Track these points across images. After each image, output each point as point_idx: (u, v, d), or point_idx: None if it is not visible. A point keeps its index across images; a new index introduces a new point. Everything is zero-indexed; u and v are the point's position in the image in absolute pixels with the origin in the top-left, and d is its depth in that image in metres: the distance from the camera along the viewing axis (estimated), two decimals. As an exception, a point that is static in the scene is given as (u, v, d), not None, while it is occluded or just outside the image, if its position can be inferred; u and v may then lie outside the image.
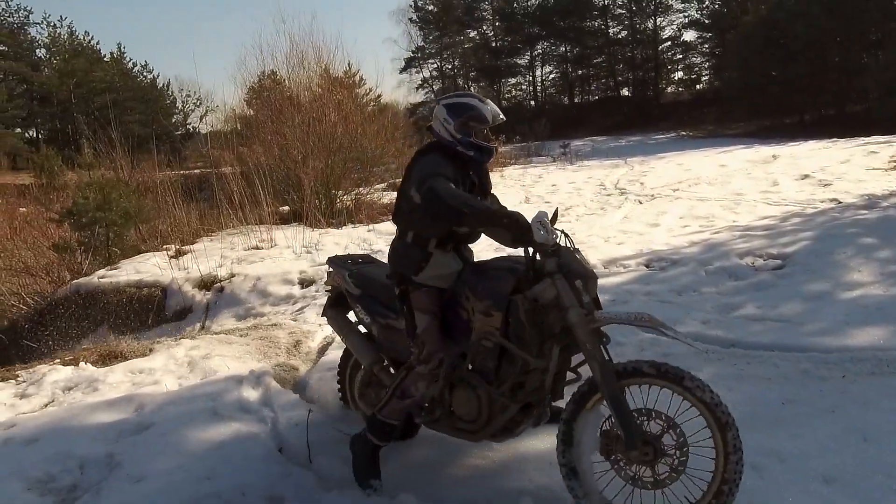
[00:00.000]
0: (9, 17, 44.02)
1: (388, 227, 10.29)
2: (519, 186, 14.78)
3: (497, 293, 2.82)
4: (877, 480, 2.87)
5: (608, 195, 12.33)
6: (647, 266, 6.42)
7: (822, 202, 8.93)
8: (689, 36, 42.84)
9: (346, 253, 8.50)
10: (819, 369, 3.93)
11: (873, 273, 5.41)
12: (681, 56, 44.01)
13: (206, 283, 7.42)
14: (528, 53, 48.57)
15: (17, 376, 4.88)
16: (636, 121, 37.18)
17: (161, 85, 47.04)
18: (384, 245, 8.81)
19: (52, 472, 3.35)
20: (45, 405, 4.36)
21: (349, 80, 17.41)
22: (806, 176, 11.64)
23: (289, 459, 3.44)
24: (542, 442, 3.33)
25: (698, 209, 9.60)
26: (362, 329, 3.61)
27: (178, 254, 8.89)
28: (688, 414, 2.57)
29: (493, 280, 2.87)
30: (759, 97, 27.07)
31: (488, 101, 3.05)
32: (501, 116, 3.05)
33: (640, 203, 10.92)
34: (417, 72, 50.00)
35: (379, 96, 22.76)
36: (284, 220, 11.33)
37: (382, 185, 14.90)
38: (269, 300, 6.93)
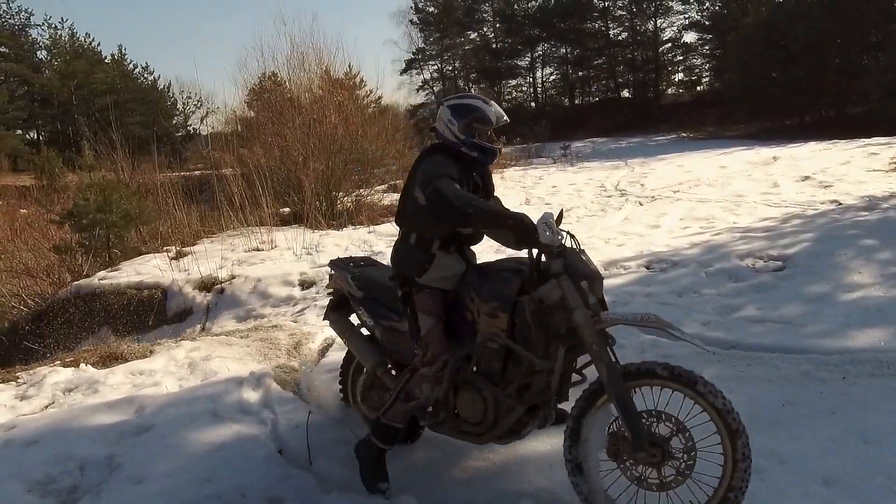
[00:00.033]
0: (10, 18, 44.04)
1: (389, 229, 10.30)
2: (519, 188, 14.78)
3: (503, 294, 2.82)
4: (877, 482, 2.87)
5: (609, 197, 12.33)
6: (647, 267, 6.42)
7: (822, 204, 8.94)
8: (690, 38, 42.90)
9: (346, 254, 8.53)
10: (819, 371, 3.93)
11: (874, 275, 5.41)
12: (681, 58, 44.03)
13: (206, 285, 7.43)
14: (529, 55, 48.59)
15: (18, 378, 4.88)
16: (637, 122, 37.19)
17: (162, 87, 47.05)
18: (385, 247, 8.82)
19: (53, 473, 3.34)
20: (46, 407, 4.35)
21: (350, 82, 17.41)
22: (806, 177, 11.65)
23: (289, 461, 3.44)
24: (543, 444, 3.33)
25: (699, 211, 9.61)
26: (365, 332, 3.59)
27: (179, 255, 8.90)
28: (696, 417, 2.56)
29: (499, 281, 2.86)
30: (760, 99, 27.09)
31: (492, 102, 3.05)
32: (505, 118, 3.05)
33: (641, 204, 10.92)
34: (418, 73, 50.05)
35: (379, 98, 22.77)
36: (285, 222, 11.34)
37: (383, 186, 14.91)
38: (269, 302, 6.93)
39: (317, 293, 6.91)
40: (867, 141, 16.60)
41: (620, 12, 44.71)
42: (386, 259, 7.72)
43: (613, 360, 2.67)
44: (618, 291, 5.71)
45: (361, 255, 8.49)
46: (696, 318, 4.89)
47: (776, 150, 17.50)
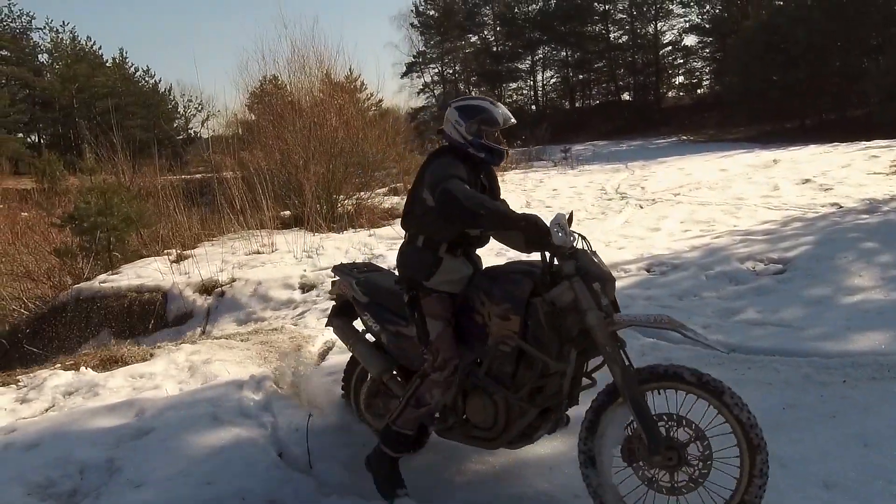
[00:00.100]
0: (11, 22, 44.14)
1: (389, 232, 10.31)
2: (520, 191, 14.79)
3: (515, 296, 2.80)
4: (877, 486, 2.87)
5: (609, 200, 12.34)
6: (647, 270, 6.42)
7: (822, 206, 8.94)
8: (690, 41, 42.89)
9: (346, 256, 8.56)
10: (820, 374, 3.93)
11: (874, 278, 5.41)
12: (682, 61, 44.03)
13: (206, 288, 7.43)
14: (529, 58, 48.62)
15: (18, 381, 4.88)
16: (637, 125, 37.20)
17: (163, 90, 47.12)
18: (385, 250, 8.82)
19: (53, 477, 3.34)
20: (46, 410, 4.36)
21: (350, 85, 17.41)
22: (807, 180, 11.65)
23: (289, 464, 3.44)
24: (543, 447, 3.33)
25: (699, 214, 9.61)
26: (370, 338, 3.56)
27: (179, 258, 8.90)
28: (716, 426, 2.54)
29: (511, 283, 2.84)
30: (760, 102, 27.08)
31: (499, 104, 3.06)
32: (512, 119, 3.05)
33: (641, 207, 10.93)
34: (419, 76, 50.07)
35: (380, 101, 22.78)
36: (285, 225, 11.35)
37: (384, 189, 14.92)
38: (269, 305, 6.93)
39: (317, 296, 6.91)
40: (868, 144, 16.60)
41: (621, 15, 44.75)
42: (386, 262, 7.72)
43: (627, 362, 2.66)
44: (618, 294, 5.61)
45: (362, 258, 8.51)
46: (696, 321, 4.89)
47: (776, 153, 17.50)
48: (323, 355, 5.17)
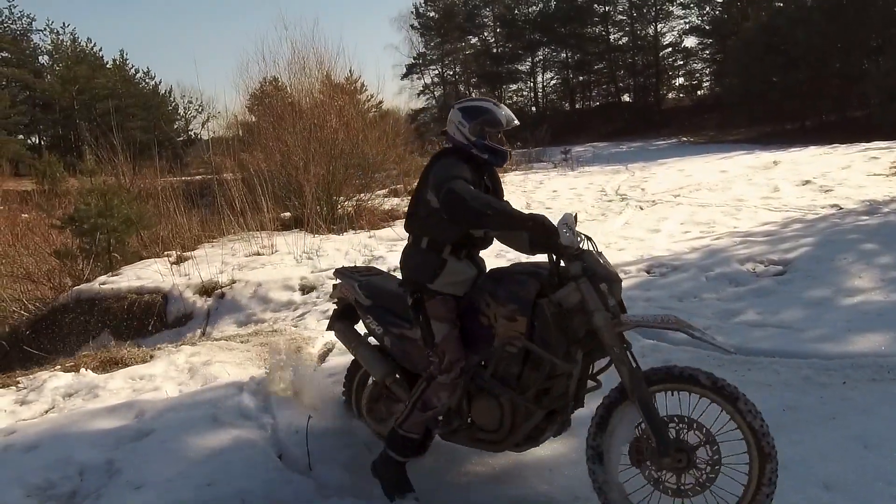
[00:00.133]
0: (11, 24, 44.20)
1: (389, 234, 10.31)
2: (520, 192, 14.79)
3: (521, 297, 2.78)
4: (877, 487, 2.87)
5: (609, 201, 12.34)
6: (647, 272, 6.42)
7: (823, 208, 8.94)
8: (690, 42, 42.96)
9: (346, 258, 8.56)
10: (820, 376, 3.93)
11: (874, 279, 5.41)
12: (682, 62, 44.09)
13: (206, 290, 7.43)
14: (529, 59, 48.69)
15: (18, 383, 4.89)
16: (637, 127, 37.25)
17: (163, 91, 47.18)
18: (385, 251, 8.82)
19: (52, 478, 3.34)
20: (46, 411, 4.36)
21: (351, 87, 17.43)
22: (807, 182, 11.66)
23: (289, 466, 3.43)
24: (543, 449, 3.32)
25: (699, 215, 9.61)
26: (372, 341, 3.54)
27: (179, 260, 8.90)
28: (726, 430, 2.53)
29: (517, 285, 2.83)
30: (760, 103, 27.12)
31: (502, 105, 3.05)
32: (515, 121, 3.04)
33: (641, 209, 10.93)
34: (419, 78, 50.16)
35: (380, 102, 22.83)
36: (285, 227, 11.35)
37: (384, 191, 14.93)
38: (269, 306, 6.93)
39: (317, 298, 6.91)
40: (868, 145, 16.61)
41: (621, 17, 44.81)
42: (386, 264, 7.72)
43: (635, 364, 2.65)
44: (618, 296, 5.70)
45: (362, 259, 8.51)
46: (696, 323, 4.86)
47: (777, 154, 17.51)
48: (323, 357, 5.17)
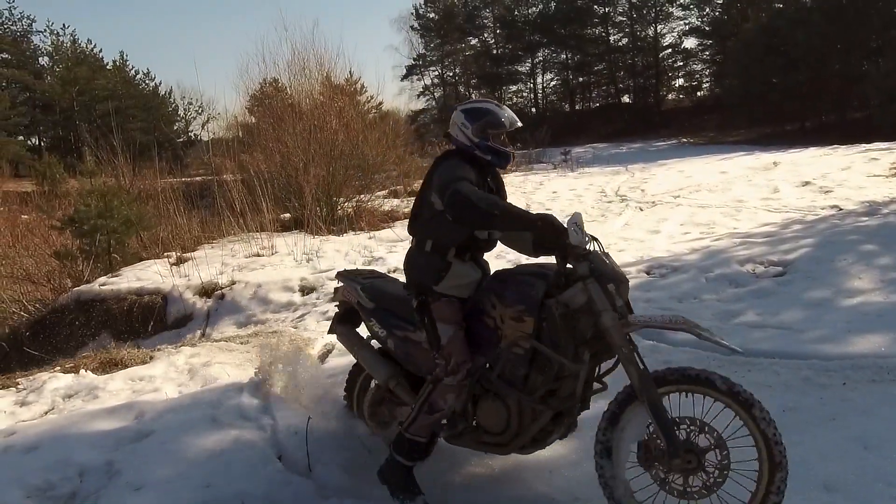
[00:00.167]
0: (12, 25, 44.23)
1: (389, 235, 10.31)
2: (520, 193, 14.78)
3: (529, 298, 2.78)
4: (877, 489, 2.87)
5: (609, 202, 12.34)
6: (647, 273, 6.42)
7: (822, 209, 8.95)
8: (690, 43, 42.99)
9: (346, 259, 8.56)
10: (820, 377, 3.92)
11: (874, 280, 5.41)
12: (681, 63, 44.11)
13: (206, 291, 7.43)
14: (529, 61, 48.71)
15: (18, 384, 4.88)
16: (637, 128, 37.25)
17: (163, 93, 47.22)
18: (385, 252, 8.82)
19: (52, 479, 3.34)
20: (45, 413, 4.36)
21: (350, 88, 17.44)
22: (807, 183, 11.66)
23: (288, 467, 3.43)
24: (543, 450, 3.31)
25: (699, 216, 9.61)
26: (375, 344, 3.52)
27: (179, 261, 8.90)
28: (736, 435, 2.53)
29: (524, 285, 2.82)
30: (760, 104, 27.12)
31: (505, 106, 3.06)
32: (518, 122, 3.04)
33: (641, 210, 10.93)
34: (419, 79, 50.18)
35: (380, 103, 22.86)
36: (285, 228, 11.34)
37: (383, 192, 14.93)
38: (269, 307, 6.93)
39: (317, 299, 6.91)
40: (867, 146, 16.62)
41: (621, 18, 44.83)
42: (386, 265, 7.71)
43: (642, 365, 2.64)
44: (618, 297, 5.70)
45: (362, 260, 8.51)
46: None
47: (776, 155, 17.52)
48: (323, 358, 5.17)
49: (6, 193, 22.81)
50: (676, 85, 45.44)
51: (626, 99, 46.48)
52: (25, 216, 16.87)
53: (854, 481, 2.92)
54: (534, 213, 2.67)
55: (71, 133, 41.90)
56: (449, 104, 46.52)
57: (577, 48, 45.65)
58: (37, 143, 44.27)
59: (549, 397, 2.81)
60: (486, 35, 49.72)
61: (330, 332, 3.77)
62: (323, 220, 11.38)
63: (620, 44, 45.32)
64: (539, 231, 2.61)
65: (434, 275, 2.96)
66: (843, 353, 4.15)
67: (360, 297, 3.43)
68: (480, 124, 2.96)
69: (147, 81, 47.10)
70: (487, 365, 2.93)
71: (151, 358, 5.26)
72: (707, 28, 40.51)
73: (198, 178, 18.76)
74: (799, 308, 5.04)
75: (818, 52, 24.90)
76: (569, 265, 2.74)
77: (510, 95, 49.18)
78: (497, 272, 3.04)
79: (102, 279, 8.38)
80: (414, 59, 49.50)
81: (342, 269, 3.77)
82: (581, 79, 47.84)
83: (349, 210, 12.43)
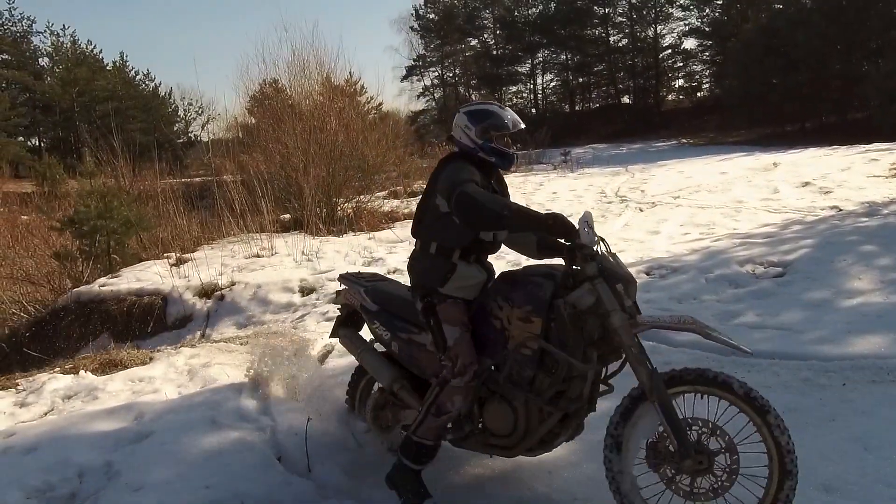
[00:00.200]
0: (12, 26, 44.26)
1: (389, 236, 10.31)
2: (520, 194, 14.77)
3: (537, 298, 2.76)
4: (877, 489, 2.86)
5: (609, 203, 12.34)
6: (647, 274, 6.42)
7: (822, 210, 8.95)
8: (690, 44, 43.02)
9: (346, 260, 8.56)
10: (819, 377, 3.93)
11: (874, 281, 5.41)
12: (681, 64, 44.14)
13: (206, 292, 7.42)
14: (529, 61, 48.73)
15: (17, 385, 4.88)
16: (637, 128, 37.27)
17: (163, 93, 47.23)
18: (385, 253, 8.82)
19: (52, 480, 3.34)
20: (45, 414, 4.36)
21: (350, 89, 17.44)
22: (807, 183, 11.66)
23: (288, 468, 3.43)
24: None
25: (699, 217, 9.61)
26: (378, 347, 3.49)
27: (179, 262, 8.89)
28: (746, 440, 2.52)
29: (532, 286, 2.81)
30: (760, 105, 27.10)
31: (507, 108, 3.05)
32: (521, 124, 3.04)
33: (641, 211, 10.93)
34: (419, 80, 50.20)
35: (380, 104, 22.87)
36: (285, 228, 11.34)
37: (383, 193, 14.93)
38: (269, 308, 6.93)
39: (317, 300, 6.91)
40: (867, 147, 16.62)
41: (620, 19, 44.87)
42: (385, 266, 7.70)
43: (652, 366, 2.63)
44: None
45: (362, 261, 8.52)
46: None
47: (776, 155, 17.52)
48: (322, 359, 5.17)
49: (6, 194, 22.81)
50: (676, 86, 45.53)
51: (625, 100, 46.52)
52: (25, 217, 16.87)
53: (854, 482, 2.92)
54: (544, 212, 2.66)
55: (71, 134, 41.93)
56: (449, 105, 46.58)
57: (576, 49, 45.68)
58: (37, 143, 44.27)
59: (557, 398, 2.79)
60: (485, 36, 49.75)
61: (332, 335, 3.74)
62: (323, 220, 11.38)
63: (620, 44, 45.38)
64: (550, 230, 2.61)
65: (439, 277, 2.95)
66: (842, 353, 4.16)
67: (363, 300, 3.40)
68: (483, 126, 2.95)
69: (147, 82, 47.16)
70: (494, 367, 2.91)
71: (151, 359, 5.27)
72: (707, 29, 40.53)
73: (197, 179, 18.77)
74: (799, 309, 5.04)
75: (818, 52, 24.90)
76: (575, 266, 2.72)
77: (510, 96, 49.22)
78: (504, 273, 3.03)
79: (102, 280, 8.38)
80: (414, 60, 49.55)
81: (345, 272, 3.74)
82: (581, 79, 47.86)
83: (349, 211, 12.43)
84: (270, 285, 7.31)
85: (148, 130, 39.55)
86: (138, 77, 46.99)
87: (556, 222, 2.60)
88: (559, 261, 2.88)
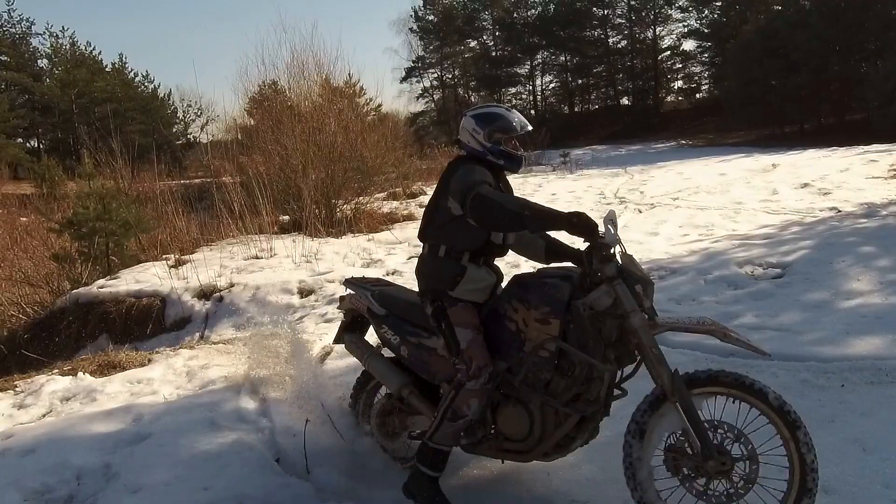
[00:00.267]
0: (11, 27, 44.26)
1: (388, 237, 10.31)
2: (519, 195, 14.78)
3: (554, 300, 2.74)
4: (875, 490, 2.87)
5: (608, 204, 12.33)
6: (646, 275, 6.41)
7: (821, 211, 8.95)
8: (689, 45, 43.17)
9: (345, 261, 8.56)
10: (818, 379, 3.93)
11: (872, 282, 5.41)
12: (680, 65, 44.25)
13: (205, 293, 7.41)
14: (529, 63, 48.80)
15: (16, 387, 4.88)
16: (636, 130, 37.32)
17: (162, 95, 47.21)
18: (384, 255, 8.82)
19: (50, 482, 3.34)
20: (43, 415, 4.35)
21: (350, 90, 17.43)
22: (805, 185, 11.66)
23: (286, 470, 3.43)
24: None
25: (698, 218, 9.61)
26: (385, 353, 3.45)
27: (178, 263, 8.88)
28: (767, 451, 2.52)
29: (549, 287, 2.78)
30: (759, 106, 27.13)
31: (514, 111, 3.05)
32: (528, 126, 3.03)
33: (640, 212, 10.93)
34: (418, 81, 50.28)
35: (379, 106, 22.82)
36: (284, 230, 11.33)
37: (382, 194, 14.91)
38: (268, 310, 6.92)
39: (316, 301, 6.91)
40: (866, 148, 16.63)
41: (620, 20, 44.98)
42: (385, 267, 7.68)
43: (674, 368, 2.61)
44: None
45: (361, 262, 8.51)
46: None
47: (775, 157, 17.53)
48: (321, 360, 5.16)
49: (5, 196, 22.82)
50: (675, 87, 45.64)
51: (625, 101, 46.61)
52: (24, 218, 16.87)
53: (852, 483, 2.92)
54: (565, 211, 2.63)
55: (70, 135, 41.91)
56: (448, 106, 46.63)
57: (576, 50, 45.77)
58: (36, 145, 44.24)
59: (574, 401, 2.77)
60: (485, 37, 49.85)
61: (336, 341, 3.70)
62: (322, 222, 11.37)
63: (619, 46, 45.48)
64: (573, 229, 2.58)
65: (449, 280, 2.92)
66: (841, 354, 4.16)
67: (371, 304, 3.36)
68: (492, 129, 2.94)
69: (146, 84, 47.12)
70: (508, 370, 2.88)
71: (150, 360, 5.26)
72: (706, 30, 40.61)
73: (196, 181, 18.77)
74: (797, 310, 5.04)
75: (817, 54, 24.92)
76: (594, 267, 2.69)
77: (509, 97, 49.29)
78: (517, 276, 2.99)
79: (101, 282, 8.37)
80: (413, 62, 49.62)
81: (350, 277, 3.71)
82: (580, 81, 47.95)
83: (348, 212, 12.42)
84: (269, 287, 7.31)
85: (147, 132, 39.52)
86: (137, 78, 47.00)
87: (580, 220, 2.56)
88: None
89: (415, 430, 3.31)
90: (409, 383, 3.28)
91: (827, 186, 11.17)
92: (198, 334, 6.84)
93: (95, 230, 9.25)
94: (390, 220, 12.32)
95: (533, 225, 2.69)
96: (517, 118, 2.99)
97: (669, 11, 42.77)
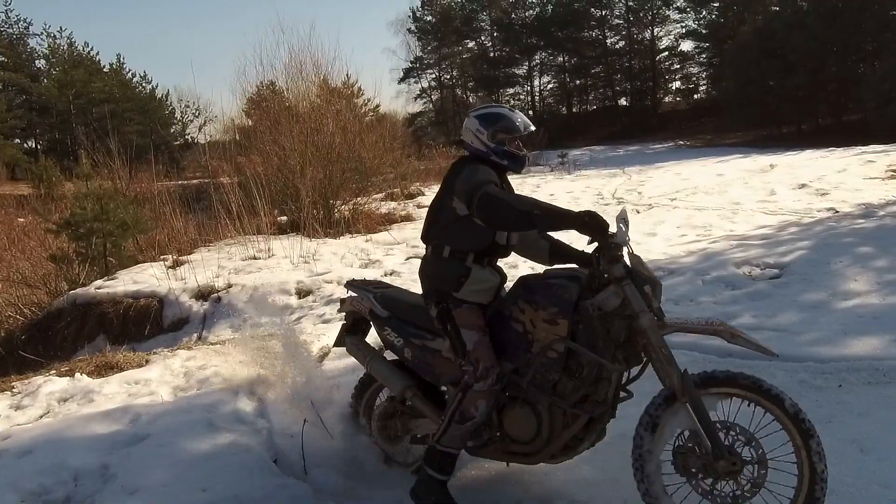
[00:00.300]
0: (8, 28, 44.23)
1: (386, 238, 10.30)
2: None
3: (563, 300, 2.72)
4: (873, 491, 2.87)
5: (606, 205, 12.34)
6: (644, 275, 6.41)
7: (819, 211, 8.96)
8: (687, 46, 43.25)
9: (343, 262, 8.55)
10: (815, 379, 3.93)
11: (870, 282, 5.42)
12: (678, 66, 44.34)
13: (203, 294, 7.40)
14: (527, 63, 48.85)
15: (13, 387, 4.87)
16: (634, 130, 37.38)
17: (160, 95, 47.20)
18: (382, 255, 8.82)
19: (47, 484, 3.33)
20: (40, 416, 4.34)
21: (347, 91, 17.43)
22: (803, 185, 11.68)
23: (284, 470, 3.43)
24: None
25: (695, 218, 9.62)
26: (388, 355, 3.44)
27: (176, 264, 8.87)
28: (777, 455, 2.52)
29: (557, 288, 2.77)
30: (757, 107, 27.20)
31: (517, 111, 3.04)
32: (532, 127, 3.02)
33: (638, 212, 10.93)
34: (416, 82, 50.31)
35: (377, 106, 22.81)
36: (282, 231, 11.32)
37: (380, 195, 14.92)
38: (266, 310, 6.90)
39: (314, 302, 6.90)
40: (864, 149, 16.66)
41: (618, 21, 45.05)
42: (383, 267, 7.68)
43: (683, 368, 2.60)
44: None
45: (359, 263, 8.51)
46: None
47: (773, 157, 17.55)
48: (319, 361, 5.16)
49: (2, 196, 22.79)
50: (673, 88, 45.76)
51: (623, 102, 46.69)
52: (21, 219, 16.86)
53: (850, 484, 2.92)
54: (575, 210, 2.61)
55: (67, 136, 41.90)
56: (446, 107, 46.63)
57: (574, 51, 45.82)
58: (33, 145, 44.20)
59: (583, 402, 2.75)
60: (483, 38, 49.90)
61: (337, 344, 3.67)
62: (320, 223, 11.35)
63: (617, 47, 45.54)
64: (584, 228, 2.56)
65: (454, 281, 2.90)
66: (838, 355, 4.16)
67: (373, 306, 3.33)
68: (495, 129, 2.94)
69: (144, 84, 47.14)
70: (514, 371, 2.86)
71: (147, 361, 5.25)
72: (704, 31, 40.66)
73: (194, 181, 18.72)
74: (795, 310, 5.05)
75: (814, 54, 24.98)
76: (601, 268, 2.68)
77: (507, 98, 49.32)
78: (523, 277, 2.97)
79: (98, 282, 8.36)
80: (411, 62, 49.62)
81: (351, 279, 3.68)
82: (578, 81, 48.01)
83: (346, 213, 12.41)
84: (267, 287, 7.30)
85: (145, 132, 39.52)
86: (135, 79, 47.04)
87: (591, 219, 2.54)
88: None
89: (417, 434, 3.30)
90: (412, 385, 3.25)
91: (824, 187, 11.20)
92: (195, 335, 6.83)
93: (93, 231, 9.24)
94: (388, 220, 12.32)
95: (542, 224, 2.68)
96: (521, 118, 2.99)
97: (667, 12, 42.89)
